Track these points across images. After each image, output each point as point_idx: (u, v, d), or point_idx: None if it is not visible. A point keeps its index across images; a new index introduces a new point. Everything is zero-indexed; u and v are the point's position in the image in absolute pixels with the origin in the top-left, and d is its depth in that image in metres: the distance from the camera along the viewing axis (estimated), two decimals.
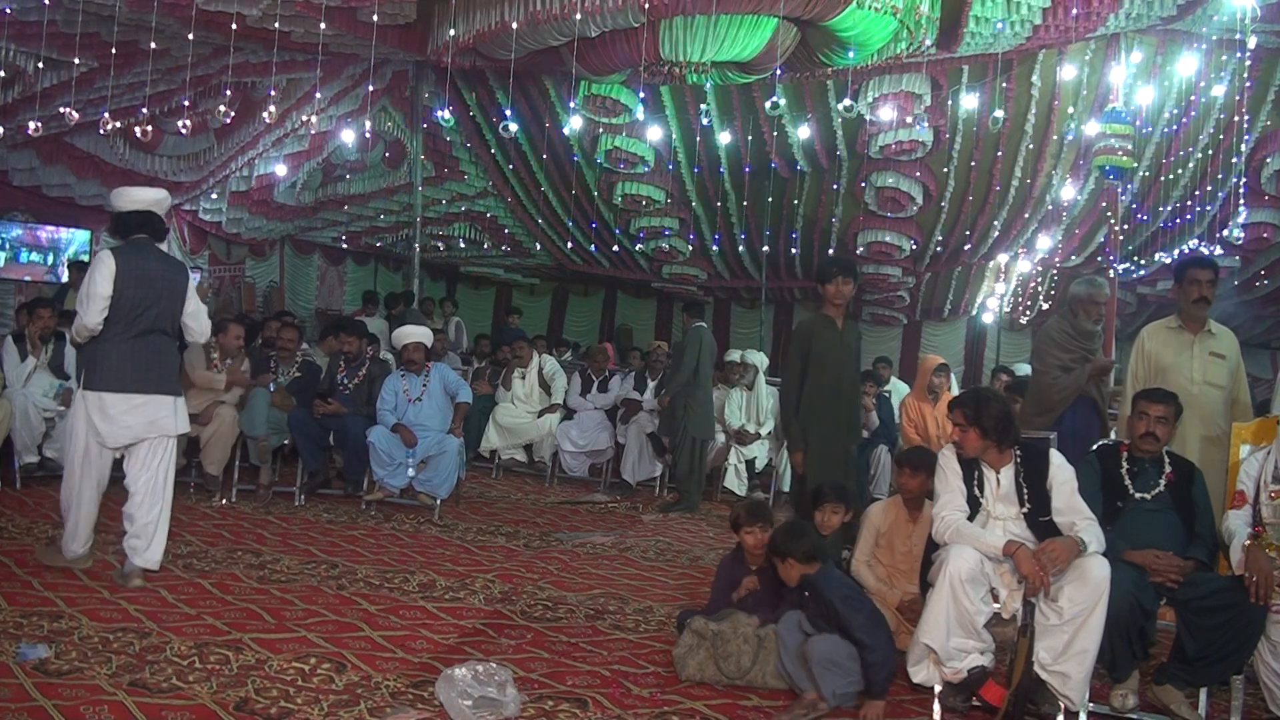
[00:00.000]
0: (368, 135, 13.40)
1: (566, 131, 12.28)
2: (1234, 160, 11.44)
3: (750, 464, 9.85)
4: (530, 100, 13.12)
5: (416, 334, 8.34)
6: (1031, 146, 12.18)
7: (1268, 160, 11.45)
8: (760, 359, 10.18)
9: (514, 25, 9.42)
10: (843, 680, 4.22)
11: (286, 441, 8.25)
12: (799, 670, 4.30)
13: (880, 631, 4.41)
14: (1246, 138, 11.07)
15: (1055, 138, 11.99)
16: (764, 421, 9.87)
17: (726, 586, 5.00)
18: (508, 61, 10.13)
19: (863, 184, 13.39)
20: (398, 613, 5.21)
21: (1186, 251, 13.19)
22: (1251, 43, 8.83)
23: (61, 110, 9.43)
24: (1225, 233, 12.85)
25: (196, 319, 5.63)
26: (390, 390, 8.06)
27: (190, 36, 9.33)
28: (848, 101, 10.15)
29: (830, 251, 15.39)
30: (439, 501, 7.96)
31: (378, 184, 16.02)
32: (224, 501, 7.83)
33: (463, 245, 18.33)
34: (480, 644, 4.80)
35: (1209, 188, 12.36)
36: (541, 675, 4.42)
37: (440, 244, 18.23)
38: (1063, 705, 4.19)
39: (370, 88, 12.53)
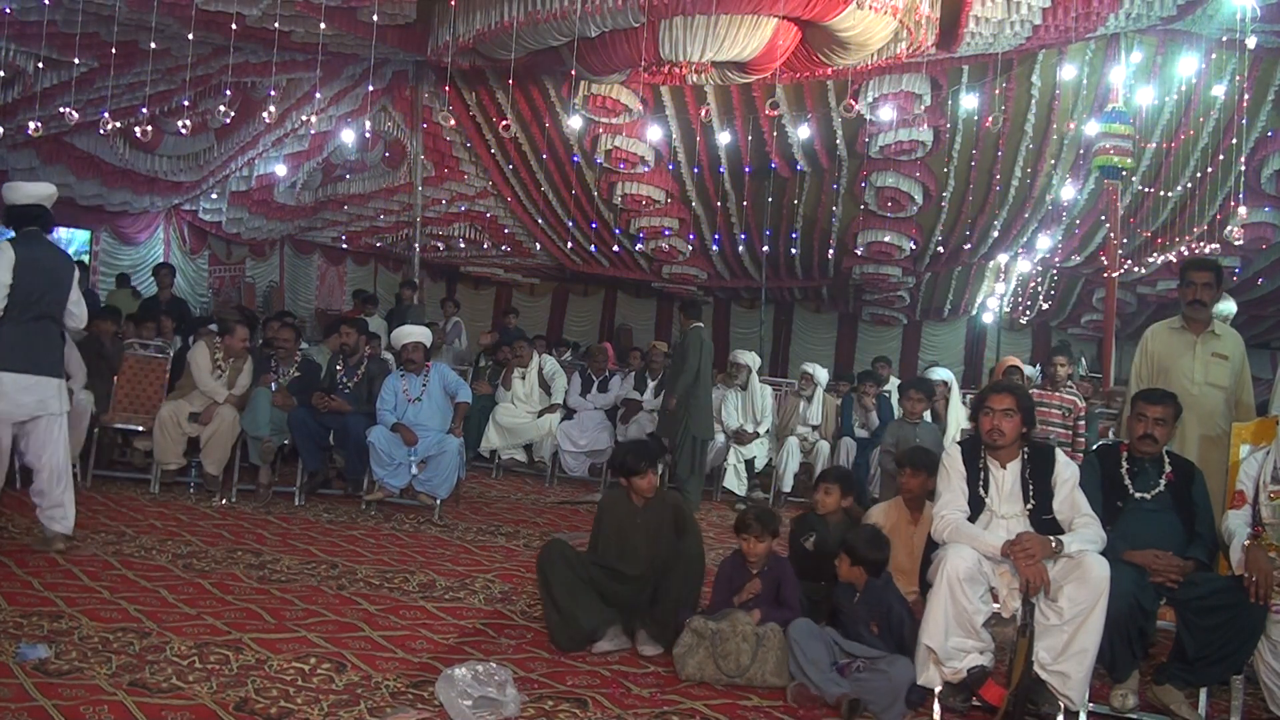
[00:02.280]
0: (368, 135, 13.42)
1: (566, 131, 12.29)
2: (1233, 160, 11.44)
3: (750, 463, 9.84)
4: (530, 100, 13.12)
5: (416, 334, 8.34)
6: (1031, 146, 12.19)
7: (1268, 160, 11.46)
8: (752, 359, 10.17)
9: (514, 25, 9.42)
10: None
11: (287, 441, 8.25)
12: (825, 679, 4.32)
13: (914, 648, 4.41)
14: (1245, 137, 11.06)
15: (1055, 138, 12.00)
16: (761, 420, 9.87)
17: (727, 587, 5.00)
18: (508, 61, 10.13)
19: (862, 184, 13.39)
20: (398, 613, 5.21)
21: (1184, 251, 13.19)
22: (1251, 43, 8.82)
23: (61, 110, 9.44)
24: (1224, 232, 12.86)
25: (79, 306, 5.96)
26: (390, 390, 8.05)
27: (190, 36, 9.33)
28: (851, 103, 10.16)
29: (830, 252, 15.38)
30: (439, 501, 7.95)
31: (378, 184, 16.02)
32: (224, 501, 7.83)
33: (462, 245, 18.33)
34: (480, 644, 4.80)
35: (1208, 188, 12.36)
36: (541, 675, 4.42)
37: (440, 244, 18.23)
38: (1062, 705, 4.19)
39: (370, 88, 12.54)
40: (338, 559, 6.28)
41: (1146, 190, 12.78)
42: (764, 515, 5.00)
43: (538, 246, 18.10)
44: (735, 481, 9.65)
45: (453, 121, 12.41)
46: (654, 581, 5.00)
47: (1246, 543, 4.32)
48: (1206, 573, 4.50)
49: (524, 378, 10.63)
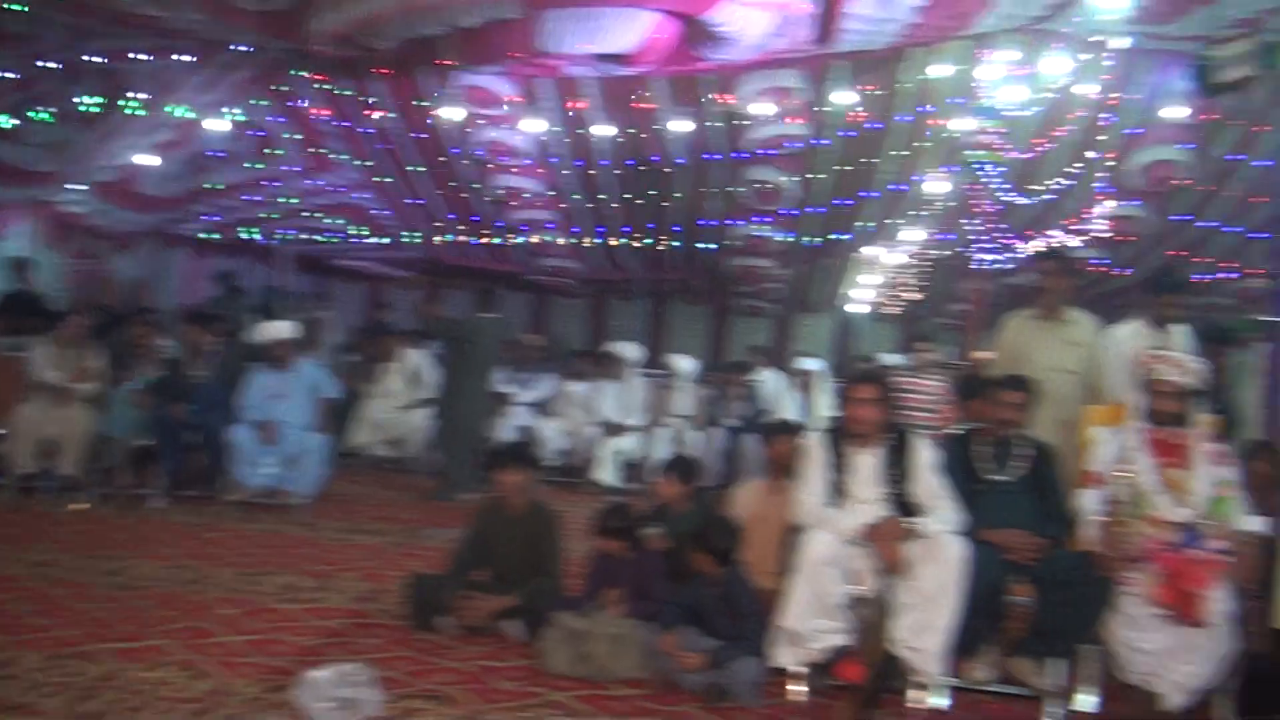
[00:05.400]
0: (238, 125, 13.05)
1: (443, 122, 12.13)
2: (1094, 155, 11.82)
3: (623, 455, 9.85)
4: (405, 90, 12.91)
5: (281, 329, 8.16)
6: (903, 141, 12.42)
7: (1133, 155, 11.86)
8: (630, 351, 10.21)
9: (389, 14, 9.26)
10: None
11: (147, 441, 7.98)
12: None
13: (763, 635, 4.46)
14: (1110, 133, 11.43)
15: (926, 133, 12.24)
16: (636, 414, 9.90)
17: (596, 580, 5.02)
18: (382, 50, 9.96)
19: (738, 178, 13.49)
20: (258, 615, 5.10)
21: (1052, 244, 13.58)
22: (1118, 44, 9.14)
23: None
24: (1088, 225, 13.28)
25: None
26: (253, 386, 7.86)
27: (55, 20, 8.96)
28: (725, 97, 10.22)
29: (705, 245, 15.47)
30: (303, 500, 7.79)
31: (248, 175, 15.60)
32: (80, 506, 7.53)
33: (335, 238, 17.95)
34: (343, 645, 4.73)
35: (1071, 182, 12.75)
36: (405, 674, 4.37)
37: (312, 236, 17.82)
38: (919, 680, 4.31)
39: (241, 76, 12.19)
40: (197, 562, 6.11)
41: (1013, 185, 13.13)
42: (619, 513, 5.07)
43: (413, 239, 17.83)
44: (608, 473, 9.66)
45: (326, 111, 12.16)
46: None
47: (1098, 520, 4.51)
48: (1060, 549, 4.68)
49: (393, 372, 10.45)
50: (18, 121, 11.59)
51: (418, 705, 4.00)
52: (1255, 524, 4.44)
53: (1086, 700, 4.47)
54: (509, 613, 4.95)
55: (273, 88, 13.28)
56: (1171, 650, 4.25)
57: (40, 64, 10.16)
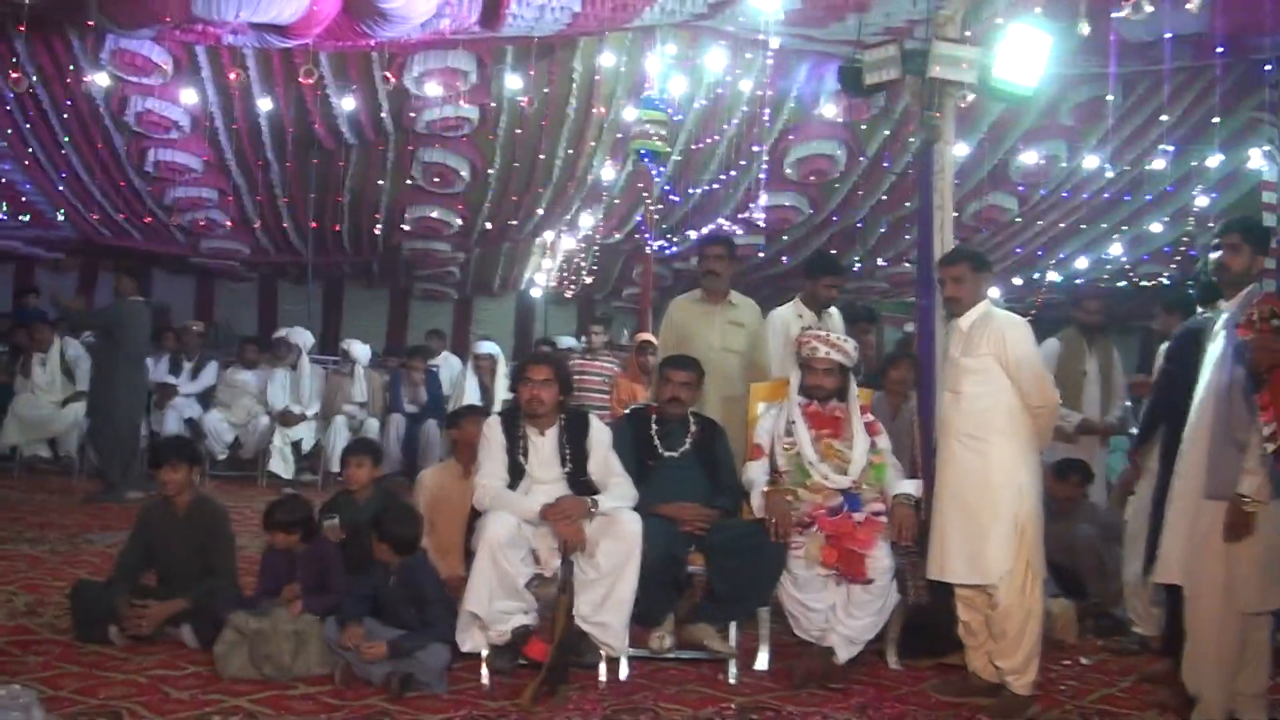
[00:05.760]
0: None
1: (92, 89, 11.24)
2: (755, 148, 12.46)
3: (297, 445, 9.55)
4: (52, 52, 11.86)
5: None
6: (573, 129, 12.64)
7: (790, 150, 12.57)
8: (305, 338, 9.90)
9: None
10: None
11: None
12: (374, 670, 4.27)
13: (451, 621, 4.42)
14: (769, 128, 12.08)
15: (595, 121, 12.51)
16: (309, 402, 9.60)
17: (271, 576, 4.83)
18: (22, 5, 9.10)
19: (410, 159, 13.31)
20: None
21: (713, 229, 14.24)
22: (775, 43, 9.65)
23: None
24: (748, 214, 14.00)
25: None
26: None
27: None
28: (390, 76, 10.05)
29: (378, 228, 15.19)
30: None
31: None
32: None
33: None
34: (4, 665, 4.32)
35: (734, 173, 13.39)
36: (72, 692, 4.04)
37: None
38: (604, 653, 4.43)
39: None
40: None
41: (677, 176, 13.65)
42: (289, 505, 4.91)
43: (61, 216, 16.44)
44: (281, 465, 9.34)
45: None
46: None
47: (765, 489, 4.77)
48: (731, 519, 4.94)
49: (45, 364, 9.61)
50: None
51: None
52: (908, 486, 4.83)
53: (763, 659, 4.77)
54: (180, 617, 4.68)
55: None
56: (839, 607, 4.61)
57: None
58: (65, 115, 12.77)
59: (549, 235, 15.99)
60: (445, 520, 5.14)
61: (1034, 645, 4.29)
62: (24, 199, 15.73)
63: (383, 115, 12.49)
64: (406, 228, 14.77)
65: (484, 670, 4.37)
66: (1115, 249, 15.02)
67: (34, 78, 9.45)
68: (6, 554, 6.44)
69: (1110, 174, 12.19)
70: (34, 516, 7.71)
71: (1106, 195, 13.11)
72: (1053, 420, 4.62)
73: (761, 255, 15.55)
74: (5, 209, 16.20)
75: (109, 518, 7.76)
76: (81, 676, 4.24)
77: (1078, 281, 15.87)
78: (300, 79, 10.50)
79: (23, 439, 9.47)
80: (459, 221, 14.64)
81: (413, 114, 12.24)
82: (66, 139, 13.65)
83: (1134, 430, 6.29)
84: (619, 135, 12.67)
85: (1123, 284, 16.04)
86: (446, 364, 10.53)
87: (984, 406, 4.38)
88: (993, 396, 4.37)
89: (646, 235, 12.24)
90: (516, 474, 4.68)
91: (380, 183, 14.28)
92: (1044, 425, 4.50)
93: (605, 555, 4.40)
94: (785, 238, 15.13)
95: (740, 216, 14.31)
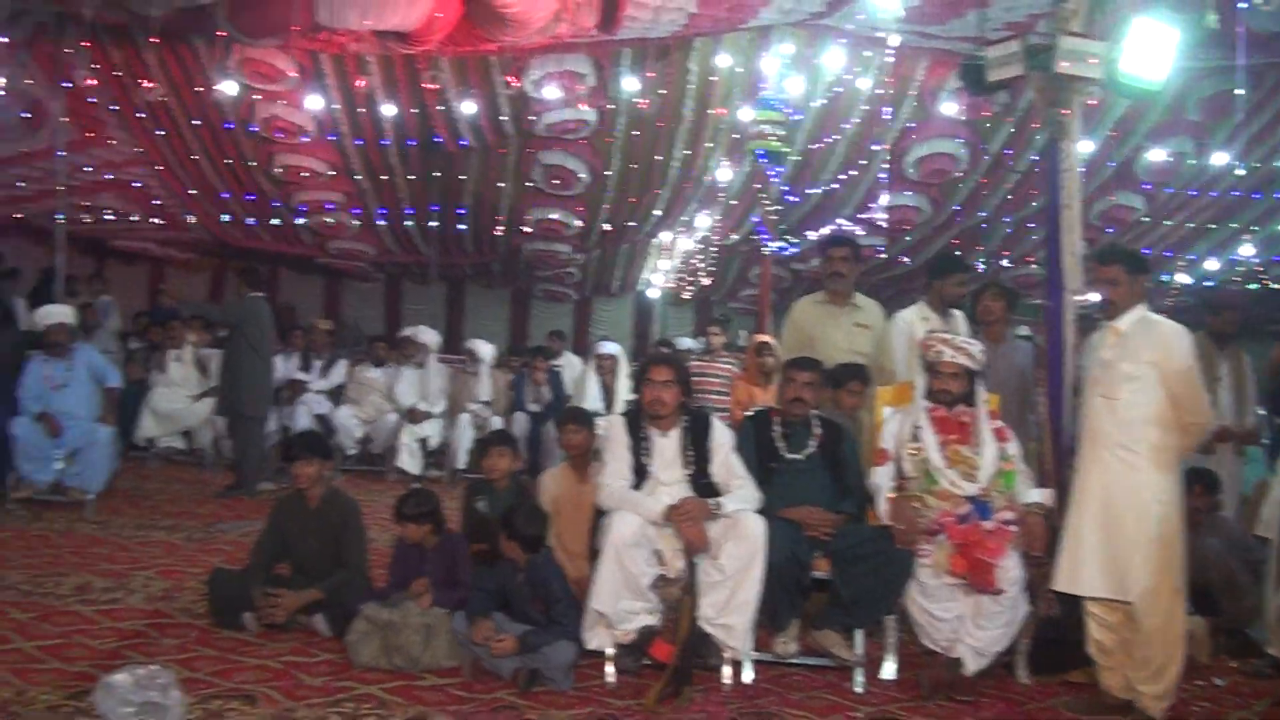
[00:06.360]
0: (3, 94, 12.18)
1: (220, 97, 11.63)
2: (874, 147, 12.32)
3: (424, 442, 9.74)
4: (182, 62, 12.32)
5: (58, 313, 7.69)
6: (690, 129, 12.65)
7: (910, 149, 12.40)
8: (432, 337, 10.09)
9: None
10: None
11: None
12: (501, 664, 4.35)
13: (577, 619, 4.48)
14: (889, 127, 11.93)
15: (711, 122, 12.51)
16: (435, 400, 9.78)
17: (401, 570, 4.95)
18: (157, 18, 9.47)
19: (529, 161, 13.47)
20: (51, 619, 4.82)
21: (833, 230, 14.11)
22: (894, 41, 9.53)
23: None
24: (868, 214, 13.85)
25: None
26: (32, 376, 7.38)
27: None
28: (512, 80, 10.18)
29: (499, 229, 15.41)
30: (91, 496, 7.37)
31: (16, 149, 14.56)
32: None
33: (111, 217, 16.98)
34: (142, 646, 4.52)
35: (853, 172, 13.26)
36: (208, 674, 4.21)
37: (87, 215, 16.80)
38: (728, 656, 4.43)
39: (5, 40, 11.38)
40: None
41: (796, 176, 13.56)
42: (419, 498, 4.99)
43: (192, 219, 17.04)
44: (409, 460, 9.53)
45: (96, 81, 11.49)
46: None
47: (891, 495, 4.70)
48: (857, 524, 4.88)
49: (179, 360, 10.01)
50: None
51: (224, 706, 3.86)
52: (1038, 495, 4.71)
53: (889, 668, 4.70)
54: (313, 607, 4.83)
55: (40, 55, 12.46)
56: (967, 617, 4.51)
57: None
58: (196, 122, 13.22)
59: (667, 236, 16.02)
60: (566, 521, 5.20)
61: (1179, 671, 4.18)
62: (157, 202, 16.33)
63: (502, 118, 12.66)
64: (527, 229, 14.93)
65: (609, 668, 4.42)
66: (1246, 250, 14.43)
67: (164, 86, 9.79)
68: (144, 541, 6.71)
69: (1240, 171, 11.75)
70: (169, 506, 7.98)
71: (1236, 193, 12.63)
72: (1200, 437, 4.52)
73: (883, 256, 15.35)
74: (139, 213, 16.84)
75: (241, 508, 8.01)
76: (217, 660, 4.40)
77: (1208, 284, 15.31)
78: (422, 83, 10.70)
79: (158, 432, 9.84)
80: (578, 223, 14.75)
81: (532, 117, 12.38)
82: (197, 144, 14.14)
83: (1265, 441, 6.09)
84: (736, 135, 12.63)
85: (1254, 286, 15.43)
86: (568, 364, 10.63)
87: (1139, 416, 4.27)
88: (1148, 406, 4.27)
89: (764, 236, 12.19)
90: (640, 474, 4.70)
91: (501, 185, 14.46)
92: (1192, 441, 4.39)
93: (729, 558, 4.41)
94: (907, 238, 14.89)
95: (860, 216, 14.16)
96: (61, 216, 12.86)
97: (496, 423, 9.73)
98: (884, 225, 13.88)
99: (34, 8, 10.77)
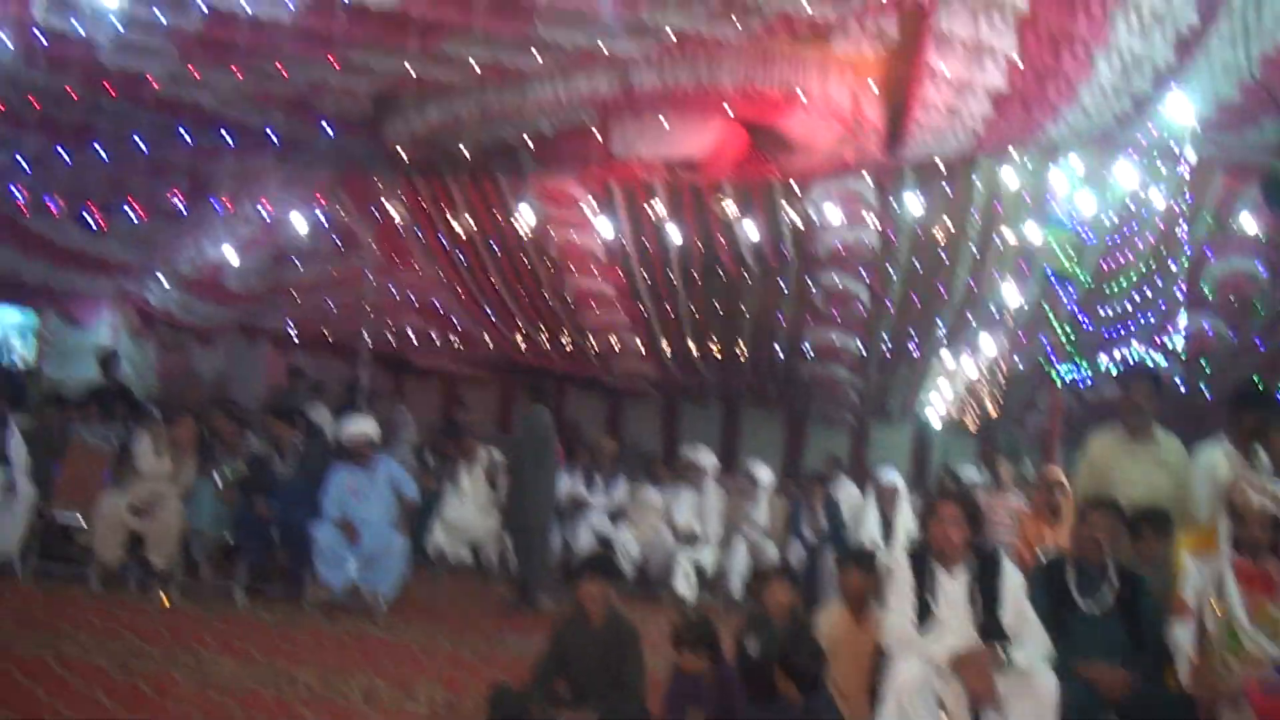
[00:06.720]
0: (319, 223, 13.38)
1: (517, 224, 12.34)
2: (1171, 265, 11.72)
3: (699, 568, 9.65)
4: (483, 192, 13.19)
5: (363, 426, 8.25)
6: (974, 250, 12.41)
7: (1207, 269, 11.75)
8: (710, 459, 10.07)
9: (468, 118, 9.50)
10: None
11: (230, 536, 8.06)
12: None
13: None
14: (1186, 248, 11.34)
15: (997, 241, 12.24)
16: (711, 524, 9.72)
17: (675, 704, 4.94)
18: (461, 154, 10.21)
19: (809, 284, 13.54)
20: None
21: (1127, 357, 13.41)
22: (1190, 156, 9.12)
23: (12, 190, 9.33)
24: (1165, 339, 13.11)
25: None
26: (335, 484, 7.93)
27: (143, 117, 9.30)
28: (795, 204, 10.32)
29: (778, 352, 15.47)
30: (382, 601, 7.79)
31: (327, 272, 15.91)
32: (164, 597, 7.58)
33: (411, 336, 18.20)
34: None
35: (1149, 294, 12.62)
36: None
37: (389, 335, 18.08)
38: None
39: (323, 174, 12.53)
40: (277, 661, 6.13)
41: (1087, 296, 13.03)
42: (699, 627, 4.98)
43: (487, 339, 18.02)
44: (684, 585, 9.37)
45: (404, 212, 12.45)
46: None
47: (1195, 661, 4.36)
48: (1153, 686, 4.53)
49: (471, 473, 10.44)
50: (105, 214, 11.98)
51: None
52: None
53: None
54: None
55: (353, 187, 13.64)
56: None
57: (128, 161, 10.50)
58: (495, 248, 14.05)
59: (949, 359, 15.67)
60: (841, 662, 5.08)
61: None
62: (454, 322, 17.39)
63: (783, 242, 12.83)
64: (806, 353, 14.95)
65: None
66: None
67: (466, 215, 10.49)
68: (430, 649, 6.98)
69: None
70: (455, 616, 8.27)
71: None
72: None
73: (1181, 386, 14.42)
74: (439, 333, 17.96)
75: (525, 623, 8.14)
76: None
77: None
78: (709, 206, 10.98)
79: (447, 541, 10.15)
80: (858, 345, 14.66)
81: (812, 239, 12.49)
82: (494, 270, 15.02)
83: None
84: (1022, 255, 12.30)
85: None
86: (845, 492, 10.34)
87: None
88: None
89: (1054, 361, 11.72)
90: (925, 616, 4.56)
91: (780, 308, 14.58)
92: None
93: (1017, 715, 4.19)
94: (1205, 366, 13.95)
95: (1156, 341, 13.41)
96: (367, 335, 13.92)
97: (772, 550, 9.61)
98: (1181, 351, 13.07)
99: (349, 145, 11.82)
